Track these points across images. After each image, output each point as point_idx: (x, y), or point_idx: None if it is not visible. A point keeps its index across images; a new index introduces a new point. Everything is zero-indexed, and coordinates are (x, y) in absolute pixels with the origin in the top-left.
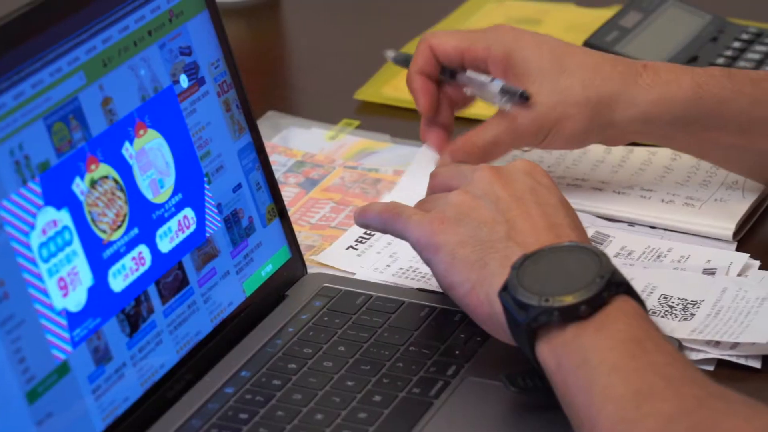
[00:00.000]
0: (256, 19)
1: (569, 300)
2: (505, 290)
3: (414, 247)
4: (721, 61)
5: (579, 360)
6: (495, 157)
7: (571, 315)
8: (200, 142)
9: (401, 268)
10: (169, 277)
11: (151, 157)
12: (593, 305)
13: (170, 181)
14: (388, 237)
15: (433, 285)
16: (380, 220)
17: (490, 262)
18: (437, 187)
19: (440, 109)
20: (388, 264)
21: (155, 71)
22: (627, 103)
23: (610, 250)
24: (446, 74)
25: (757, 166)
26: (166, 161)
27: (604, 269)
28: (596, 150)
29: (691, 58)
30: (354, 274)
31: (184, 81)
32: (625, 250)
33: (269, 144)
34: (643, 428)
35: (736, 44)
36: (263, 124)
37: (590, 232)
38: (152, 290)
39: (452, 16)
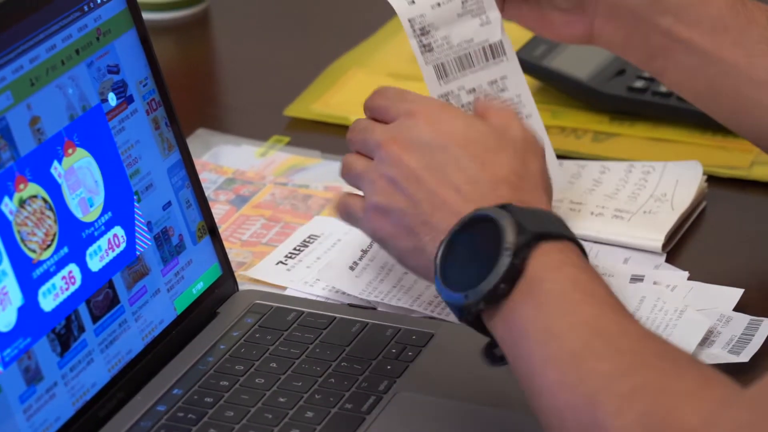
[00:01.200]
0: (184, 37)
1: (487, 287)
2: (438, 288)
3: None
4: (647, 73)
5: (518, 332)
6: None
7: (496, 297)
8: (129, 160)
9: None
10: (100, 296)
11: (80, 175)
12: (510, 279)
13: (100, 200)
14: (317, 252)
15: (363, 299)
16: (342, 220)
17: (425, 247)
18: (355, 150)
19: None
20: (317, 278)
21: (83, 90)
22: None
23: None
24: None
25: (717, 88)
26: (95, 180)
27: (510, 234)
28: None
29: (618, 71)
30: (285, 288)
31: (112, 99)
32: None
33: (199, 161)
34: (585, 389)
35: None
36: (193, 142)
37: None
38: (83, 309)
39: (381, 32)
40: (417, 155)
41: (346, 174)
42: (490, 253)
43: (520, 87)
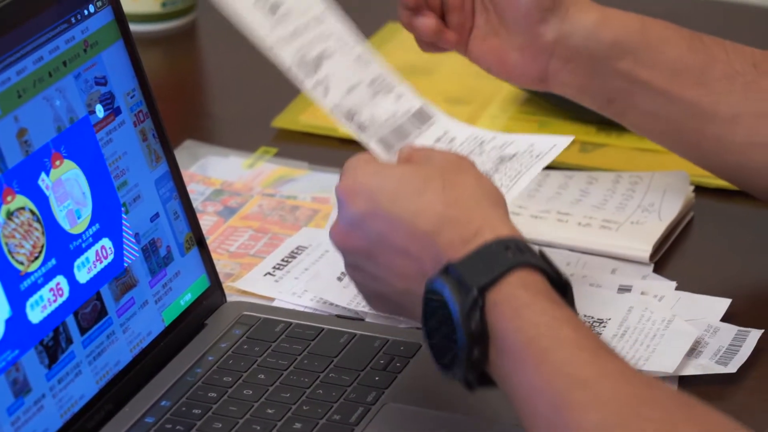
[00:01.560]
0: (172, 48)
1: (463, 357)
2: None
3: None
4: None
5: (508, 388)
6: None
7: (476, 364)
8: (117, 171)
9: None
10: (88, 308)
11: (67, 187)
12: (478, 343)
13: (87, 212)
14: (306, 263)
15: (350, 310)
16: None
17: (405, 312)
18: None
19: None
20: (306, 289)
21: (71, 102)
22: (580, 6)
23: None
24: None
25: (680, 128)
26: (82, 192)
27: (454, 307)
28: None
29: None
30: (272, 300)
31: (99, 111)
32: None
33: (187, 173)
34: None
35: None
36: (181, 153)
37: None
38: (71, 321)
39: (368, 43)
40: (356, 235)
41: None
42: (451, 323)
43: (466, 130)
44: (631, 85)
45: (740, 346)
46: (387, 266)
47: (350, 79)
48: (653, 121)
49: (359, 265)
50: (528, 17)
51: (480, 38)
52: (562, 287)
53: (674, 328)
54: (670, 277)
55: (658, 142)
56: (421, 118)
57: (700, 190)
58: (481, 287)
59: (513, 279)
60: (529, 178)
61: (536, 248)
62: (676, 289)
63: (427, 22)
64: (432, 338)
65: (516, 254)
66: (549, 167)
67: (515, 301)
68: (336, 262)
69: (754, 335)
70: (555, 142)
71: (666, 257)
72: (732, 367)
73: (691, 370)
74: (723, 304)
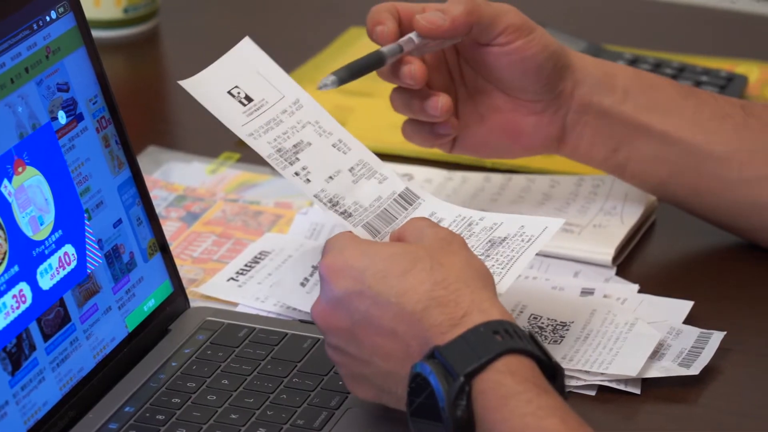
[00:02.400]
0: (134, 54)
1: None
2: None
3: None
4: None
5: None
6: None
7: None
8: (80, 178)
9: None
10: (51, 314)
11: (30, 194)
12: (464, 429)
13: (50, 218)
14: (269, 268)
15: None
16: None
17: (391, 401)
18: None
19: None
20: (269, 295)
21: (33, 108)
22: (579, 56)
23: None
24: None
25: (678, 171)
26: (45, 198)
27: (441, 395)
28: (476, 179)
29: None
30: (236, 305)
31: (62, 117)
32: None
33: (150, 179)
34: None
35: None
36: (144, 159)
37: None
38: (34, 328)
39: (330, 48)
40: (340, 315)
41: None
42: (437, 408)
43: (453, 211)
44: (633, 130)
45: (703, 348)
46: (372, 347)
47: (330, 167)
48: (653, 166)
49: (341, 346)
50: (550, 79)
51: (474, 124)
52: (551, 371)
53: (637, 331)
54: (633, 280)
55: (655, 192)
56: (407, 200)
57: None
58: (467, 374)
59: (500, 365)
60: (522, 266)
61: (526, 331)
62: (639, 291)
63: (442, 99)
64: (416, 422)
65: (505, 339)
66: (511, 171)
67: (502, 389)
68: (299, 267)
69: (717, 337)
70: (546, 225)
71: (628, 260)
72: (695, 369)
73: (654, 372)
74: (685, 306)
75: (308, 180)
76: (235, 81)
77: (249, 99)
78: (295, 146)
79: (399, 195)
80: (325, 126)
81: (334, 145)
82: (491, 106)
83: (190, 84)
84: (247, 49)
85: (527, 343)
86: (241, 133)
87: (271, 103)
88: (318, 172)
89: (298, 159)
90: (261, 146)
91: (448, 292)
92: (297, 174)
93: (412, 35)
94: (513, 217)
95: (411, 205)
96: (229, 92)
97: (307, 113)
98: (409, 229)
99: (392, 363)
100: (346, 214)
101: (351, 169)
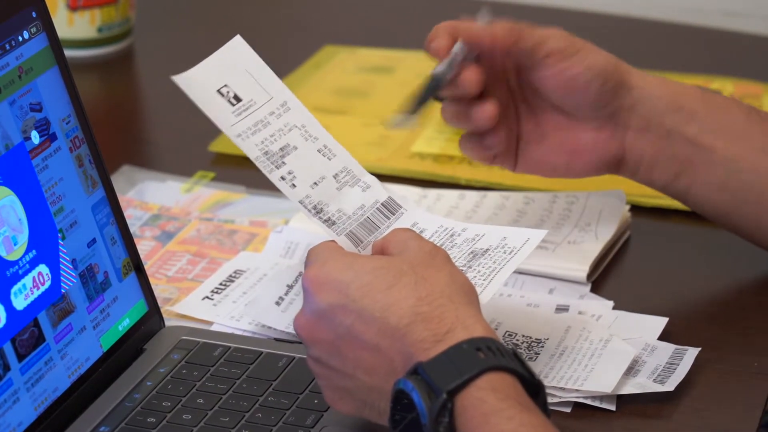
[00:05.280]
0: (108, 74)
1: None
2: None
3: None
4: None
5: None
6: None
7: None
8: (53, 198)
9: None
10: (25, 335)
11: (3, 214)
12: None
13: (24, 238)
14: (244, 287)
15: (290, 335)
16: None
17: (386, 412)
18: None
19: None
20: (243, 314)
21: (6, 128)
22: (640, 75)
23: None
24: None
25: (742, 200)
26: (19, 218)
27: (423, 411)
28: (450, 196)
29: None
30: (211, 324)
31: (35, 137)
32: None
33: (124, 198)
34: None
35: None
36: (118, 179)
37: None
38: (8, 348)
39: (304, 66)
40: (323, 327)
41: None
42: (419, 425)
43: (435, 221)
44: (697, 152)
45: (677, 365)
46: (355, 361)
47: (315, 173)
48: (716, 193)
49: (323, 359)
50: (600, 97)
51: (535, 142)
52: (534, 388)
53: (612, 348)
54: (608, 297)
55: (716, 219)
56: (390, 209)
57: (636, 209)
58: (449, 391)
59: (482, 383)
60: (504, 277)
61: (510, 347)
62: (614, 308)
63: (488, 106)
64: (403, 429)
65: (488, 356)
66: (486, 188)
67: (484, 406)
68: (274, 286)
69: (692, 353)
70: (528, 236)
71: (603, 277)
72: (670, 386)
73: (629, 389)
74: (660, 322)
75: (294, 185)
76: (224, 79)
77: (238, 99)
78: (281, 149)
79: (382, 204)
80: (311, 130)
81: (319, 150)
82: (551, 124)
83: (182, 80)
84: (237, 47)
85: (510, 360)
86: (231, 133)
87: (259, 104)
88: (303, 177)
89: (284, 163)
90: (249, 148)
91: (432, 307)
92: (283, 178)
93: (457, 45)
94: (495, 229)
95: (393, 214)
96: (218, 91)
97: (294, 116)
98: (393, 241)
99: (376, 378)
100: (329, 222)
101: (335, 176)
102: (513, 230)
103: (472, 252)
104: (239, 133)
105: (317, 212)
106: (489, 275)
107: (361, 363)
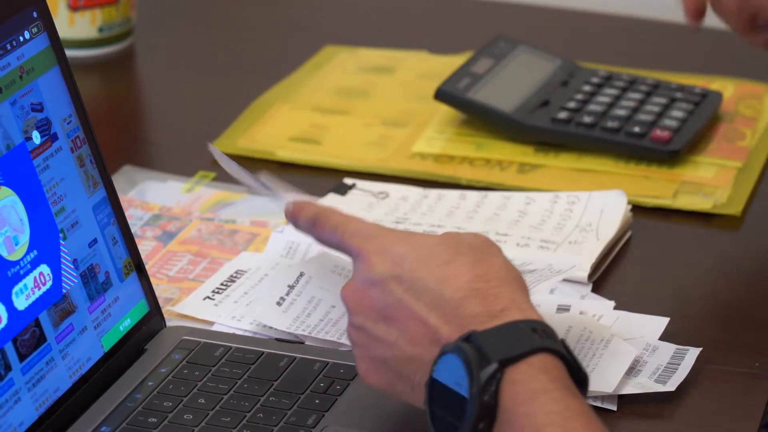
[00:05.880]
0: (109, 73)
1: (467, 430)
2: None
3: None
4: (572, 104)
5: None
6: None
7: None
8: (54, 198)
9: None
10: (26, 335)
11: (4, 214)
12: (486, 417)
13: (25, 238)
14: (245, 287)
15: (290, 334)
16: None
17: (421, 385)
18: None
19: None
20: (244, 314)
21: (7, 128)
22: None
23: None
24: None
25: None
26: (20, 218)
27: (472, 376)
28: (451, 197)
29: (542, 102)
30: (212, 324)
31: (36, 137)
32: None
33: (125, 198)
34: None
35: (587, 87)
36: (119, 179)
37: None
38: (9, 348)
39: (305, 67)
40: (373, 295)
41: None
42: (463, 393)
43: None
44: None
45: (679, 365)
46: (399, 330)
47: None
48: None
49: (366, 327)
50: None
51: None
52: (579, 379)
53: (613, 348)
54: (609, 297)
55: None
56: None
57: (637, 209)
58: (502, 361)
59: (535, 361)
60: (548, 286)
61: (560, 338)
62: (615, 308)
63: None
64: (434, 405)
65: (542, 338)
66: (487, 188)
67: (533, 383)
68: (275, 287)
69: (693, 353)
70: (574, 263)
71: (604, 277)
72: (671, 386)
73: (630, 389)
74: (661, 322)
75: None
76: (280, 294)
77: (280, 302)
78: (309, 302)
79: None
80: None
81: (332, 270)
82: None
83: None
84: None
85: (562, 348)
86: (287, 327)
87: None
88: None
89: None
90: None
91: (489, 286)
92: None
93: None
94: (542, 257)
95: None
96: (277, 303)
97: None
98: (447, 232)
99: (418, 348)
100: None
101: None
102: (559, 257)
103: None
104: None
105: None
106: (532, 284)
107: (405, 332)
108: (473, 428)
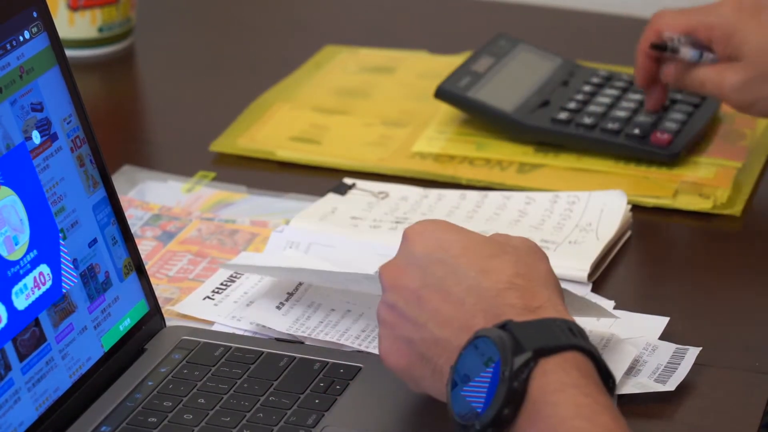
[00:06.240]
0: (109, 73)
1: (491, 413)
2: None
3: None
4: (572, 105)
5: None
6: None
7: (501, 422)
8: (54, 197)
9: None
10: (26, 335)
11: (4, 214)
12: (513, 404)
13: (25, 238)
14: (245, 286)
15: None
16: None
17: (441, 370)
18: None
19: (654, 86)
20: (242, 316)
21: (7, 128)
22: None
23: None
24: (668, 50)
25: None
26: (20, 218)
27: (506, 361)
28: (451, 196)
29: (543, 102)
30: (212, 323)
31: (36, 137)
32: None
33: (125, 198)
34: None
35: (587, 87)
36: (119, 179)
37: None
38: (9, 348)
39: (304, 67)
40: (413, 275)
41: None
42: (492, 376)
43: None
44: None
45: (678, 364)
46: (431, 312)
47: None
48: None
49: (398, 306)
50: None
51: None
52: (608, 387)
53: (613, 347)
54: (609, 296)
55: None
56: None
57: (637, 208)
58: (537, 350)
59: (569, 356)
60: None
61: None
62: (615, 308)
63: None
64: (458, 387)
65: (578, 337)
66: (487, 188)
67: (565, 376)
68: (275, 292)
69: (692, 353)
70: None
71: (604, 276)
72: (670, 385)
73: (630, 388)
74: (661, 322)
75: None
76: (279, 299)
77: (282, 304)
78: (308, 307)
79: None
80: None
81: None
82: None
83: (253, 325)
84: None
85: (595, 350)
86: (292, 330)
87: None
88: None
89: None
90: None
91: (529, 285)
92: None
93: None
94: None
95: None
96: (277, 307)
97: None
98: (497, 233)
99: (447, 331)
100: None
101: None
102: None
103: None
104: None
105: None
106: None
107: (437, 315)
108: (498, 413)
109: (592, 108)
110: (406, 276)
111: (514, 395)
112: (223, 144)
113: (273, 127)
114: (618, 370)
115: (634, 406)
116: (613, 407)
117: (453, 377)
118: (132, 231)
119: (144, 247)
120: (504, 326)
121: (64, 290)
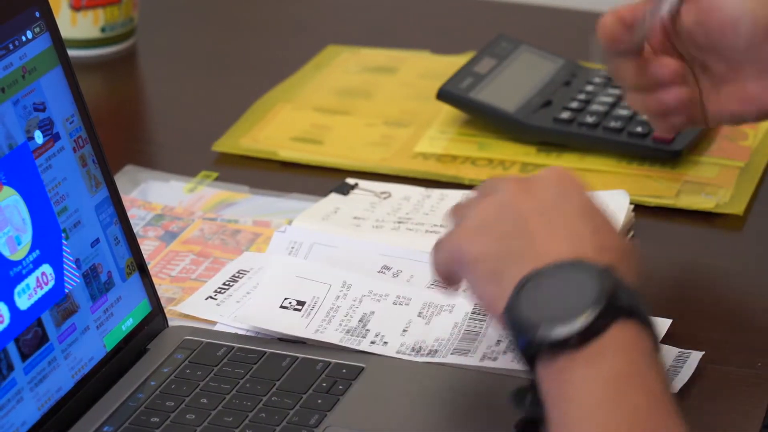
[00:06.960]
0: (111, 73)
1: (560, 333)
2: (507, 312)
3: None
4: (575, 104)
5: (563, 394)
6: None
7: (562, 347)
8: (57, 197)
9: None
10: (29, 334)
11: (7, 214)
12: (585, 336)
13: (27, 238)
14: (247, 287)
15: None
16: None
17: (503, 278)
18: (475, 194)
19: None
20: (241, 319)
21: (9, 128)
22: None
23: None
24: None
25: None
26: (22, 218)
27: (603, 294)
28: (454, 196)
29: (545, 102)
30: (214, 323)
31: (39, 137)
32: None
33: (128, 198)
34: None
35: (589, 88)
36: (121, 179)
37: None
38: (11, 348)
39: (306, 67)
40: (534, 202)
41: (461, 205)
42: (574, 304)
43: None
44: None
45: (681, 368)
46: (530, 234)
47: (400, 323)
48: None
49: (505, 212)
50: (753, 43)
51: (713, 97)
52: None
53: None
54: None
55: None
56: (481, 312)
57: (639, 208)
58: (626, 307)
59: (642, 328)
60: None
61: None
62: None
63: (676, 92)
64: (532, 295)
65: (651, 319)
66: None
67: (637, 340)
68: (274, 290)
69: (695, 357)
70: None
71: None
72: (673, 389)
73: None
74: (663, 324)
75: (385, 342)
76: (282, 295)
77: (301, 303)
78: (360, 321)
79: (473, 312)
80: (379, 290)
81: (394, 303)
82: (716, 78)
83: (243, 317)
84: (278, 265)
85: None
86: (307, 334)
87: (322, 297)
88: (391, 332)
89: (368, 330)
90: (330, 336)
91: (624, 260)
92: (373, 342)
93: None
94: None
95: (486, 317)
96: (281, 306)
97: (358, 289)
98: None
99: (532, 253)
100: (432, 353)
101: (420, 314)
102: None
103: None
104: (316, 329)
105: (417, 352)
106: None
107: (532, 238)
108: (566, 337)
109: (594, 107)
110: (527, 199)
111: (589, 331)
112: (225, 144)
113: (275, 127)
114: None
115: None
116: (669, 380)
117: (526, 282)
118: (134, 231)
119: (146, 247)
120: (607, 270)
121: (66, 290)
